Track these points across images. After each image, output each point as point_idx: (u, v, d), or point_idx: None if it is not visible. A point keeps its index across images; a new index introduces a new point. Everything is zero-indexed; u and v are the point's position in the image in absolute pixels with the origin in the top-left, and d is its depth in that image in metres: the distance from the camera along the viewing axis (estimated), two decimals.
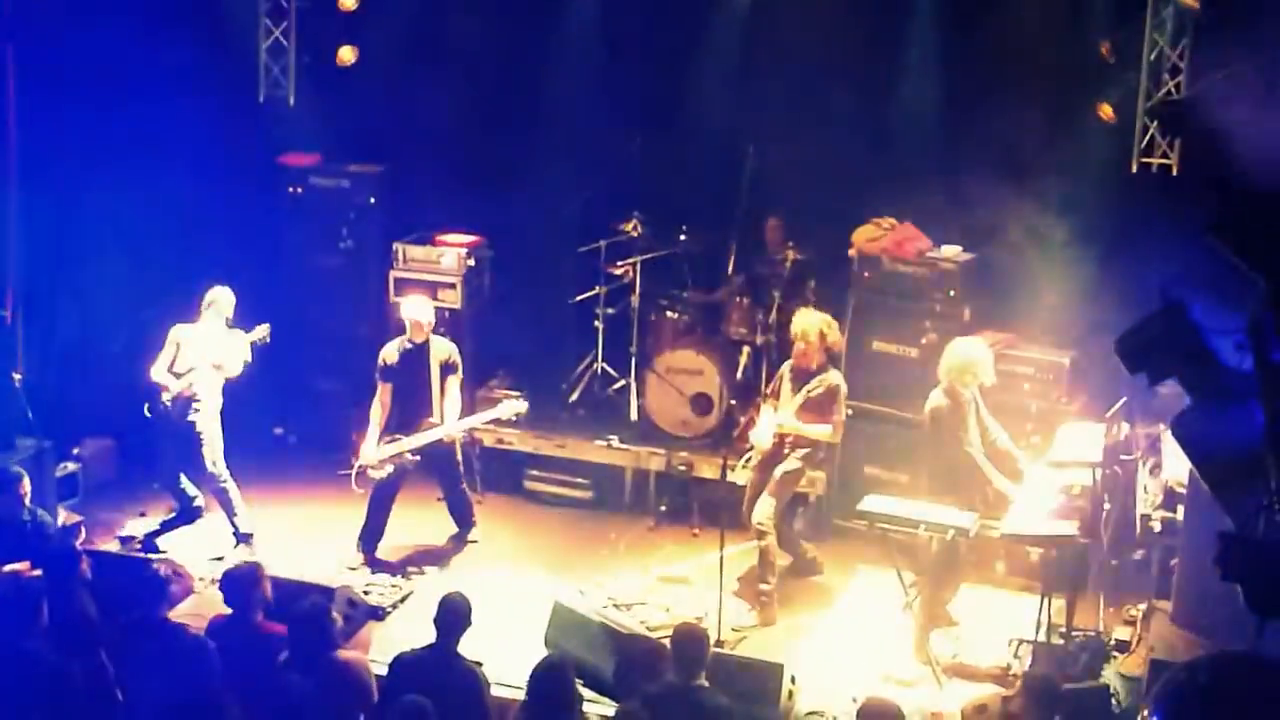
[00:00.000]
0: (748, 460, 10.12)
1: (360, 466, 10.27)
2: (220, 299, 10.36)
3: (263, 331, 10.41)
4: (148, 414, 10.33)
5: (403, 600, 9.83)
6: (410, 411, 10.34)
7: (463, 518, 10.77)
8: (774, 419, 9.90)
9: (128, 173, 11.24)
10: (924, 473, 9.61)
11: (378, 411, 10.37)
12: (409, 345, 10.35)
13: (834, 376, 9.88)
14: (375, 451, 10.26)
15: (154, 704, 7.21)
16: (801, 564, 10.41)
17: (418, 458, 10.30)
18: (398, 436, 10.30)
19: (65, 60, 10.91)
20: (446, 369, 10.35)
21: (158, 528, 10.66)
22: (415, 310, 10.42)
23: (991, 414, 9.54)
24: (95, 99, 11.05)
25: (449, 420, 10.29)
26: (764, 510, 9.80)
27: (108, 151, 11.12)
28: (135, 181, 11.30)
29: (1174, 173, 10.99)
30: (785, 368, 10.08)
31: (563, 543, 10.99)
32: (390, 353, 10.40)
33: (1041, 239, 10.56)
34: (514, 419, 10.65)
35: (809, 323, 9.86)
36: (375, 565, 10.31)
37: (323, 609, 7.82)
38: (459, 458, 10.59)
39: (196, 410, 10.28)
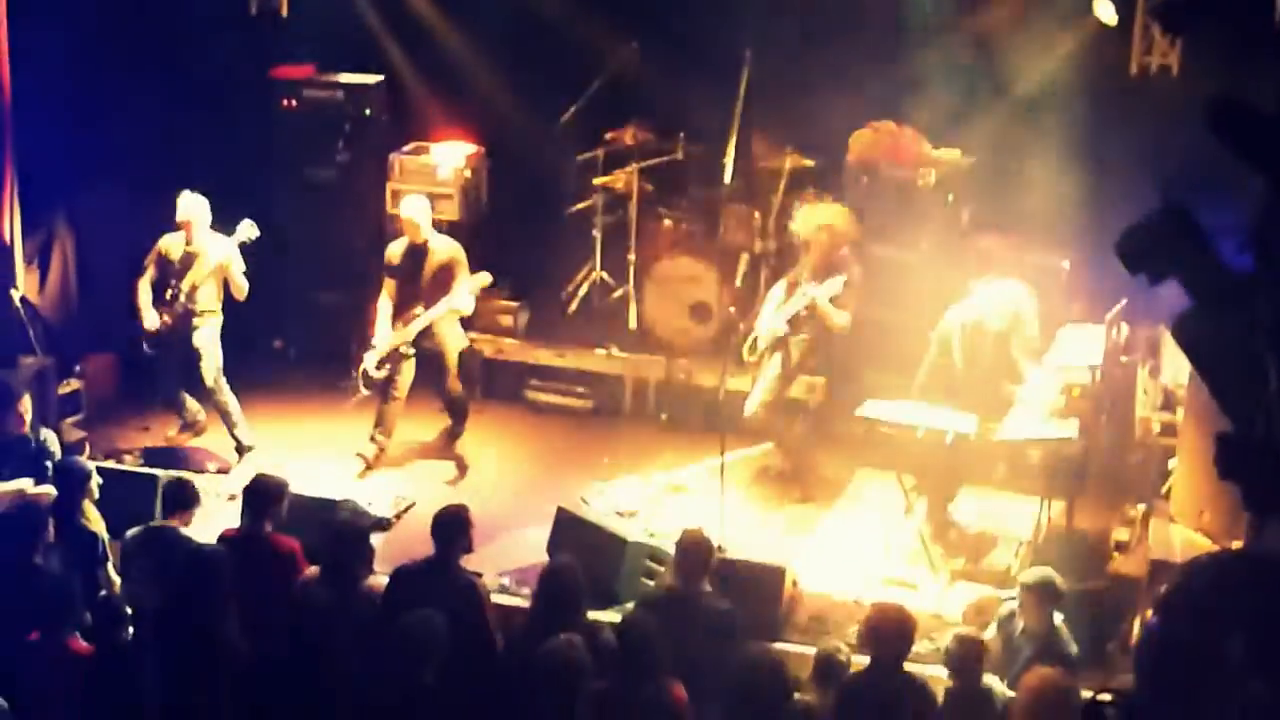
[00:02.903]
0: (753, 345, 10.07)
1: (362, 371, 10.24)
2: (192, 211, 10.18)
3: (247, 229, 10.19)
4: (149, 350, 10.35)
5: (406, 510, 9.89)
6: (404, 311, 10.25)
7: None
8: (803, 291, 9.79)
9: (120, 88, 11.15)
10: (926, 373, 9.55)
11: (386, 306, 10.27)
12: (410, 245, 10.27)
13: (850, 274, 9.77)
14: (385, 345, 10.19)
15: (158, 613, 7.28)
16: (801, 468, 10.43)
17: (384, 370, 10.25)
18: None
19: None
20: (444, 271, 10.20)
21: (163, 444, 10.72)
22: (405, 209, 10.30)
23: None
24: (85, 14, 10.94)
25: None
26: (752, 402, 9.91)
27: (100, 68, 11.03)
28: (128, 97, 11.22)
29: (1174, 73, 10.90)
30: (797, 276, 9.98)
31: (564, 452, 11.02)
32: (394, 251, 10.31)
33: (1040, 141, 10.49)
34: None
35: (813, 220, 9.76)
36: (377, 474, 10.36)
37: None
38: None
39: (196, 327, 10.28)
